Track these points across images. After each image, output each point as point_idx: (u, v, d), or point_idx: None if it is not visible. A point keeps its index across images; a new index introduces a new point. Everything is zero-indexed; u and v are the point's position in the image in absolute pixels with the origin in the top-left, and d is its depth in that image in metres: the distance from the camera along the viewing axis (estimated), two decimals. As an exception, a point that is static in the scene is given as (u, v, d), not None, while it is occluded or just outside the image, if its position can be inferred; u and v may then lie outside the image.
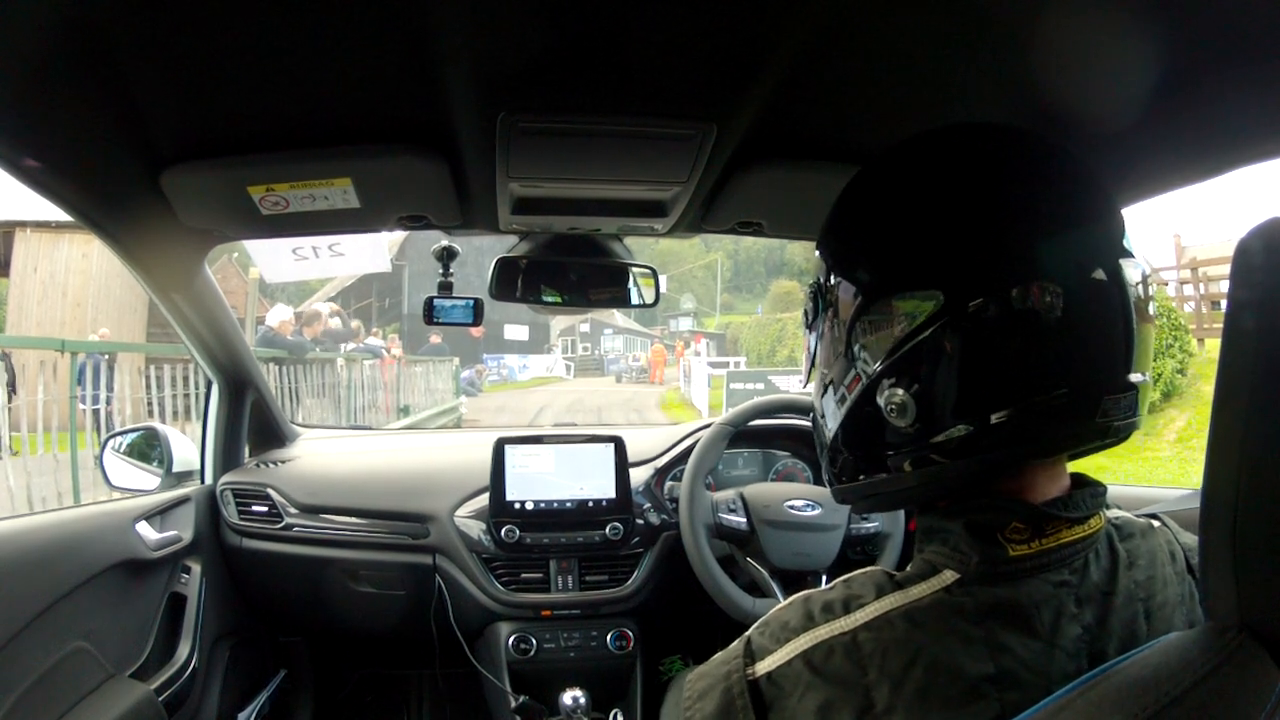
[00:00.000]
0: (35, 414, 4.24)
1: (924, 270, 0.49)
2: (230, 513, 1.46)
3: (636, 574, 1.46)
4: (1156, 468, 6.09)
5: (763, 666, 0.50)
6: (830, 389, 0.56)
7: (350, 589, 1.47)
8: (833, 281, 0.55)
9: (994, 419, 0.47)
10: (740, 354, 22.90)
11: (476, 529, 1.44)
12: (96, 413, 4.98)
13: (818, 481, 1.56)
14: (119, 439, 1.48)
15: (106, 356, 5.39)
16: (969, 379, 0.48)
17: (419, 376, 9.71)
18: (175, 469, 1.41)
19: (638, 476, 1.52)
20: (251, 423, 1.57)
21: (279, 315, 6.20)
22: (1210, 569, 0.42)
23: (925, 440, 0.50)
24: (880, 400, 0.51)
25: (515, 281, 1.24)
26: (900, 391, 0.49)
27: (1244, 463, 0.39)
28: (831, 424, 0.56)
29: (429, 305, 1.29)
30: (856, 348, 0.52)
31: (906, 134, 0.55)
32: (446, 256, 1.29)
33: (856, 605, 0.49)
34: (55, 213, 0.94)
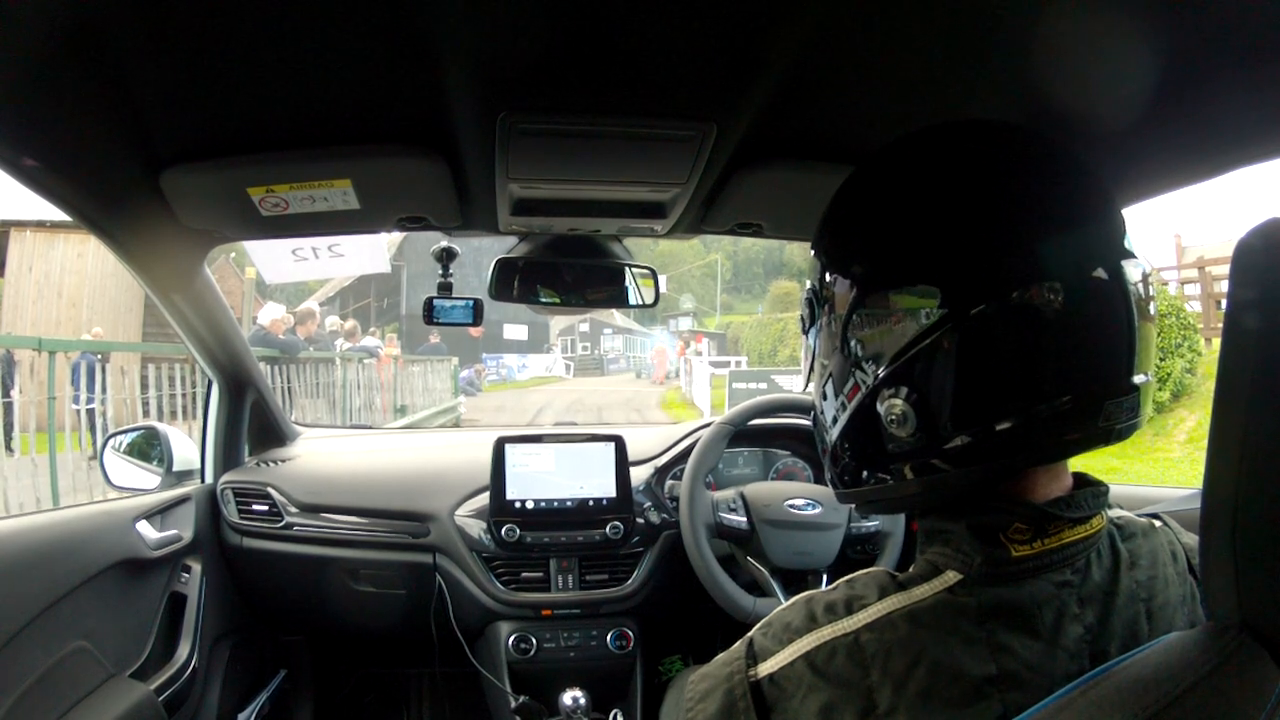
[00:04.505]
0: (13, 415, 4.21)
1: (920, 265, 0.49)
2: (230, 512, 1.46)
3: (637, 573, 1.46)
4: (1168, 469, 6.03)
5: (765, 668, 0.50)
6: (830, 394, 0.55)
7: (350, 588, 1.47)
8: (828, 279, 0.54)
9: (997, 428, 0.47)
10: (741, 354, 22.87)
11: (477, 528, 1.44)
12: (91, 413, 4.90)
13: (818, 480, 1.56)
14: (119, 438, 1.47)
15: (100, 356, 5.32)
16: (970, 388, 0.47)
17: (416, 376, 9.63)
18: (175, 468, 1.41)
19: (638, 475, 1.52)
20: (252, 422, 1.57)
21: (270, 314, 6.03)
22: (1210, 569, 0.42)
23: (926, 448, 0.49)
24: (880, 409, 0.50)
25: (514, 282, 1.25)
26: (900, 402, 0.49)
27: (1244, 463, 0.39)
28: (833, 429, 0.56)
29: (429, 305, 1.29)
30: (853, 343, 0.52)
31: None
32: (446, 257, 1.29)
33: (859, 606, 0.49)
34: (50, 212, 0.93)
